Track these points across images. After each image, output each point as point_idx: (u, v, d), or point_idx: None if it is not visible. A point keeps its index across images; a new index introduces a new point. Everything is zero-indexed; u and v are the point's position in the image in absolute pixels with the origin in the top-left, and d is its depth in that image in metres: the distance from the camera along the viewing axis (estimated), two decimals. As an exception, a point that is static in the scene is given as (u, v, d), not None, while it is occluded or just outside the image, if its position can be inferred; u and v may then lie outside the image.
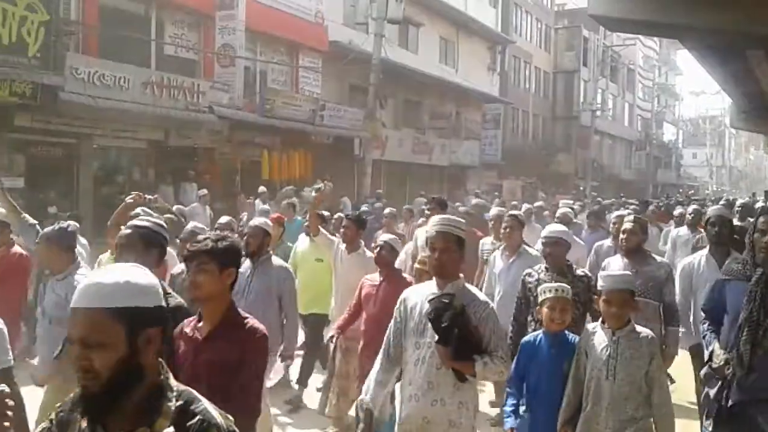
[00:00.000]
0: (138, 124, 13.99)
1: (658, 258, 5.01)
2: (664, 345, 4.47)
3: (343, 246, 5.76)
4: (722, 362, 3.23)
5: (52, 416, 1.61)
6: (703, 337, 3.60)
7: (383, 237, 5.08)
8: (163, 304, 1.55)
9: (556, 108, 38.66)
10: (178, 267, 4.71)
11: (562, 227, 4.72)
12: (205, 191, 12.86)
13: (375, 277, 4.85)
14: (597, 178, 38.93)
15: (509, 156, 30.08)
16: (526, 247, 5.62)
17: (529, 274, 4.42)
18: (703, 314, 3.67)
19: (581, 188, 35.07)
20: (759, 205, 11.57)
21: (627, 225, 4.92)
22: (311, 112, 17.85)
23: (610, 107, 44.40)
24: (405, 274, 5.14)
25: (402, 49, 23.44)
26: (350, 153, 20.05)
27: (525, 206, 11.62)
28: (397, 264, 5.16)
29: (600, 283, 3.47)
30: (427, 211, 7.94)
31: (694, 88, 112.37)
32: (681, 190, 49.83)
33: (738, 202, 11.18)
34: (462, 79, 27.17)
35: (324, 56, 19.63)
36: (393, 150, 22.60)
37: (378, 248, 4.83)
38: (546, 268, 4.33)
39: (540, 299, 3.64)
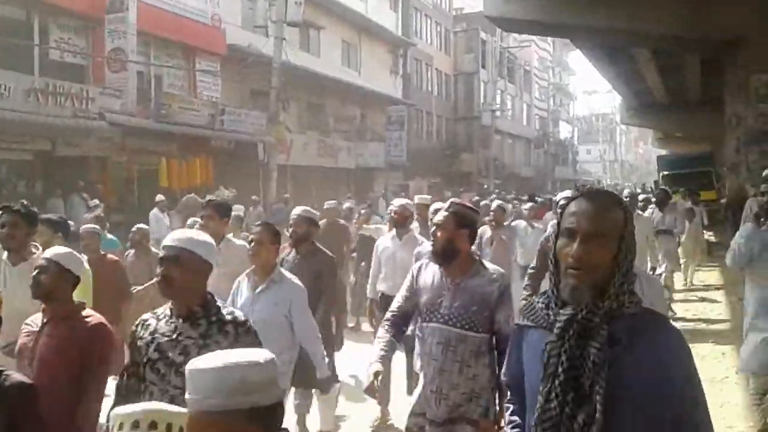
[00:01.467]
0: (22, 134, 13.12)
1: (492, 267, 3.26)
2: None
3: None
4: None
5: None
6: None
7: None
8: None
9: (457, 109, 39.51)
10: None
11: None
12: (96, 202, 12.23)
13: None
14: (499, 176, 40.10)
15: (414, 157, 30.46)
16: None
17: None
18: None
19: (485, 186, 36.01)
20: (643, 197, 12.43)
21: (438, 218, 3.25)
22: (210, 116, 17.37)
23: (509, 107, 45.85)
24: None
25: (304, 52, 23.26)
26: (254, 158, 19.64)
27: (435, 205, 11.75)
28: None
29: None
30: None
31: (586, 88, 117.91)
32: (577, 185, 52.13)
33: (625, 192, 12.03)
34: (365, 82, 27.28)
35: (222, 60, 19.16)
36: (298, 154, 22.35)
37: None
38: None
39: None
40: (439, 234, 3.16)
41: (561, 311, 1.65)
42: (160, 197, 13.10)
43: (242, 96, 20.63)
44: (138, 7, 15.50)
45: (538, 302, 1.78)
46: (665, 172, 20.89)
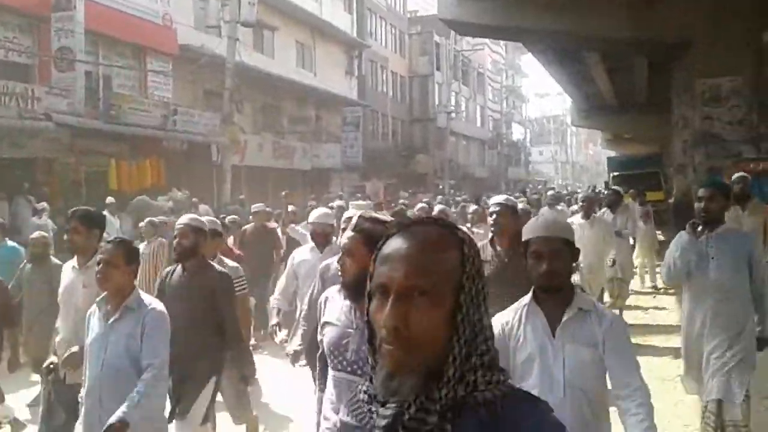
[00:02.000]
0: (-37, 135, 12.63)
1: None
2: None
3: None
4: None
5: None
6: None
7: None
8: None
9: (413, 110, 39.69)
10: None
11: None
12: (44, 204, 11.85)
13: None
14: (454, 177, 40.45)
15: (370, 158, 30.46)
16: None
17: None
18: None
19: (440, 187, 36.26)
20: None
21: (344, 240, 2.60)
22: (162, 117, 17.03)
23: (464, 109, 46.31)
24: None
25: (258, 53, 23.02)
26: (207, 159, 19.33)
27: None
28: None
29: None
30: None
31: (538, 90, 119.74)
32: (531, 185, 53.02)
33: (580, 196, 12.20)
34: (320, 83, 27.16)
35: (174, 60, 18.83)
36: (253, 155, 22.10)
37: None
38: None
39: None
40: (347, 263, 2.51)
41: (381, 409, 1.12)
42: (110, 200, 12.78)
43: (195, 96, 20.30)
44: (86, 5, 15.10)
45: (361, 390, 1.21)
46: (615, 173, 21.37)
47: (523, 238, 2.50)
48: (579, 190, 27.22)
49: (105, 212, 11.92)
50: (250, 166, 21.88)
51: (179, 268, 4.23)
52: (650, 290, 11.56)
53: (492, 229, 4.06)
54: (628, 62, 21.71)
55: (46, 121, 13.55)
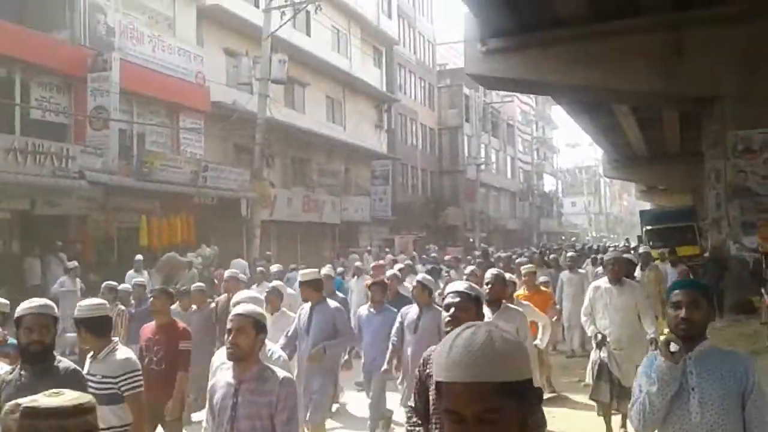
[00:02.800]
0: (1, 193, 12.94)
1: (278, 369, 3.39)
2: None
3: None
4: None
5: None
6: None
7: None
8: None
9: (442, 162, 39.83)
10: None
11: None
12: (75, 263, 11.99)
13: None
14: (485, 229, 40.16)
15: (399, 211, 30.48)
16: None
17: None
18: None
19: (470, 240, 36.00)
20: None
21: (230, 323, 3.26)
22: (193, 173, 17.29)
23: (494, 161, 46.32)
24: None
25: (288, 108, 23.44)
26: (237, 214, 19.51)
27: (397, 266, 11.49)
28: None
29: None
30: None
31: (569, 141, 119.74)
32: (564, 237, 52.35)
33: (606, 257, 11.90)
34: (350, 137, 27.47)
35: (206, 117, 19.24)
36: (282, 209, 22.25)
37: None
38: None
39: None
40: (239, 340, 3.08)
41: None
42: (138, 257, 12.87)
43: (225, 152, 20.65)
44: (121, 65, 15.57)
45: None
46: (648, 227, 20.95)
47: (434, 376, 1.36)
48: (610, 246, 26.62)
49: (131, 271, 12.09)
50: (279, 220, 22.02)
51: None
52: None
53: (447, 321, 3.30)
54: (658, 113, 21.54)
55: (79, 179, 13.86)
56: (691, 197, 29.97)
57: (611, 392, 6.20)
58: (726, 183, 13.00)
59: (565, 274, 11.12)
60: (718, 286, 11.72)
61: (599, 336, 6.18)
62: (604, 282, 6.43)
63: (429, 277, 6.11)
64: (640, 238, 22.86)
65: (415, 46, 37.37)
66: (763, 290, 9.70)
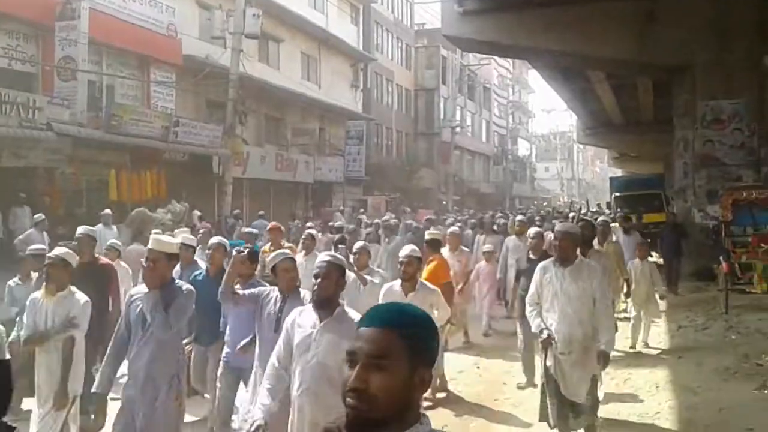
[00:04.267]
0: (-37, 143, 12.68)
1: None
2: None
3: None
4: None
5: None
6: None
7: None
8: None
9: (418, 124, 39.71)
10: None
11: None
12: (41, 216, 11.84)
13: None
14: (458, 192, 40.37)
15: (373, 171, 30.45)
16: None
17: None
18: None
19: (443, 202, 36.21)
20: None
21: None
22: (164, 128, 17.05)
23: (469, 124, 46.29)
24: None
25: (263, 64, 23.09)
26: (209, 171, 19.35)
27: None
28: None
29: None
30: None
31: (545, 106, 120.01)
32: (536, 202, 52.91)
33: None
34: (325, 96, 27.22)
35: (178, 70, 18.89)
36: (255, 167, 22.10)
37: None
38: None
39: None
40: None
41: None
42: (106, 211, 12.76)
43: (198, 107, 20.36)
44: (90, 14, 15.18)
45: None
46: (617, 194, 21.25)
47: None
48: (574, 211, 26.80)
49: (99, 225, 11.99)
50: (251, 178, 21.89)
51: None
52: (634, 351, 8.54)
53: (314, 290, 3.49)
54: (632, 81, 21.70)
55: (47, 130, 13.60)
56: (662, 165, 30.39)
57: (562, 412, 4.78)
58: (694, 152, 13.25)
59: (511, 240, 9.86)
60: (676, 253, 12.10)
61: (545, 333, 4.74)
62: (552, 262, 4.97)
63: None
64: (608, 204, 23.19)
65: (392, 5, 36.88)
66: (721, 257, 9.98)
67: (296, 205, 25.84)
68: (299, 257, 7.40)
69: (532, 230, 7.88)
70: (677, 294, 11.80)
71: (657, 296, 8.86)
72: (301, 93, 25.13)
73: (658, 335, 9.25)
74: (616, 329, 5.98)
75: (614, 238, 9.72)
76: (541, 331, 4.80)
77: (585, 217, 8.19)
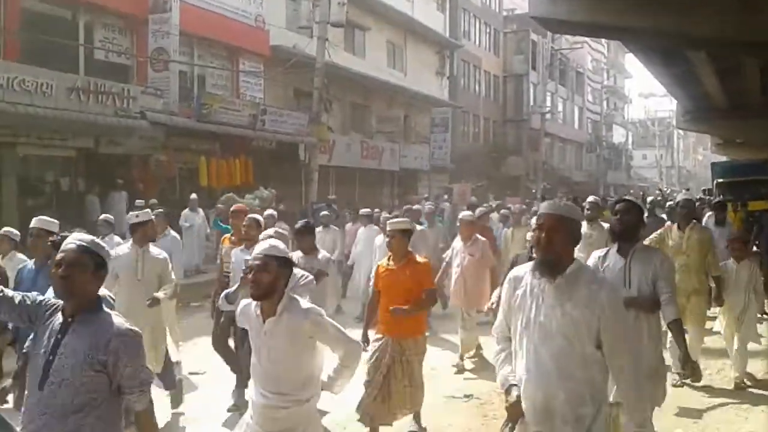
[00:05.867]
0: (65, 132, 13.40)
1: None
2: None
3: None
4: None
5: None
6: None
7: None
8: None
9: (506, 111, 38.91)
10: None
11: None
12: (141, 202, 12.36)
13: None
14: (548, 180, 39.27)
15: (459, 159, 30.09)
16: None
17: None
18: None
19: (533, 190, 35.33)
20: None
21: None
22: (252, 117, 17.43)
23: (560, 110, 44.93)
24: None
25: (348, 53, 23.20)
26: (295, 158, 19.66)
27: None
28: None
29: None
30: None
31: (642, 90, 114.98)
32: (632, 191, 50.80)
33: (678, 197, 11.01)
34: (410, 84, 27.07)
35: (266, 60, 19.26)
36: (341, 155, 22.29)
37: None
38: None
39: None
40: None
41: None
42: (193, 196, 13.18)
43: (285, 96, 20.70)
44: (181, 7, 15.69)
45: None
46: (719, 180, 19.96)
47: None
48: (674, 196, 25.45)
49: (186, 210, 12.40)
50: (337, 166, 22.08)
51: None
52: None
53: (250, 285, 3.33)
54: (737, 62, 20.29)
55: (141, 119, 14.18)
56: (771, 152, 28.36)
57: None
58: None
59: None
60: None
61: (513, 394, 2.80)
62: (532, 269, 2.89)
63: None
64: (708, 191, 21.84)
65: (481, -10, 36.22)
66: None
67: (382, 193, 25.90)
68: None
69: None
70: None
71: (755, 313, 6.66)
72: (386, 81, 25.09)
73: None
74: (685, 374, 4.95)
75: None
76: (507, 390, 2.84)
77: (626, 198, 4.95)
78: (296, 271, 4.19)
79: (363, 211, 11.09)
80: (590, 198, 8.00)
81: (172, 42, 15.41)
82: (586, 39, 42.03)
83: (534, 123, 38.28)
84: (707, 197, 21.80)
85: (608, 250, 4.20)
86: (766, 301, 7.03)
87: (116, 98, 13.60)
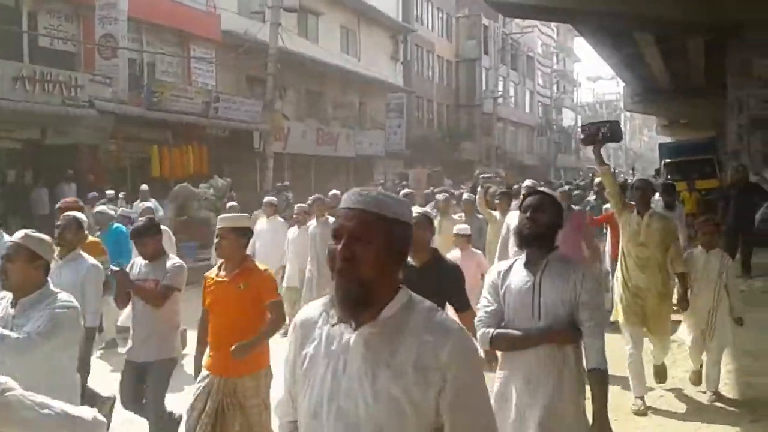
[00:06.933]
0: (10, 123, 12.92)
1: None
2: None
3: None
4: None
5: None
6: None
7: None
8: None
9: (459, 96, 39.13)
10: None
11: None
12: (94, 194, 12.02)
13: None
14: (501, 164, 39.76)
15: (414, 145, 30.19)
16: None
17: None
18: None
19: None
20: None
21: None
22: (205, 104, 17.13)
23: (512, 94, 45.44)
24: None
25: (301, 38, 22.95)
26: (250, 146, 19.43)
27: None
28: None
29: None
30: None
31: (590, 74, 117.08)
32: (581, 173, 51.89)
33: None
34: (365, 69, 26.97)
35: (218, 46, 18.91)
36: (296, 142, 22.11)
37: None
38: None
39: None
40: None
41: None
42: (144, 187, 12.90)
43: (238, 83, 20.39)
44: (129, -8, 15.25)
45: None
46: (667, 160, 20.52)
47: None
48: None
49: (137, 201, 12.12)
50: (292, 153, 21.89)
51: None
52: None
53: None
54: (683, 44, 20.83)
55: (89, 108, 13.77)
56: (714, 131, 29.29)
57: None
58: (749, 114, 12.65)
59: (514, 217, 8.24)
60: (747, 223, 9.57)
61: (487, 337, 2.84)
62: (509, 261, 3.03)
63: None
64: (658, 171, 22.43)
65: (432, -26, 36.24)
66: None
67: (338, 180, 25.82)
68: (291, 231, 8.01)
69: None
70: (751, 279, 9.03)
71: (730, 316, 5.19)
72: (341, 66, 24.94)
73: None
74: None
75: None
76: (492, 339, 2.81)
77: (540, 188, 4.08)
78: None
79: (267, 199, 8.97)
80: (527, 182, 7.31)
81: (120, 28, 14.98)
82: (536, 23, 42.59)
83: (487, 107, 38.65)
84: (656, 177, 22.41)
85: (513, 263, 2.94)
86: (739, 299, 5.35)
87: (63, 87, 13.20)
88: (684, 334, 5.48)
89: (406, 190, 11.05)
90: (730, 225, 9.38)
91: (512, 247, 5.47)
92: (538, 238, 2.81)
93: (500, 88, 40.98)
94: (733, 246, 9.00)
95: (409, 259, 3.28)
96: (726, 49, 14.33)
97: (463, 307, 3.67)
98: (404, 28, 31.20)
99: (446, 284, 3.57)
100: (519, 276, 2.83)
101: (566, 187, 9.12)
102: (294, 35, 21.25)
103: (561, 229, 2.90)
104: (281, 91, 19.61)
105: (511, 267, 2.90)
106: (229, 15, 19.16)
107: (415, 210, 3.36)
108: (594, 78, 78.54)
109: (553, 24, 49.18)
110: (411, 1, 32.71)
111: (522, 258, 2.89)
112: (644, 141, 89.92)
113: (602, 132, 5.15)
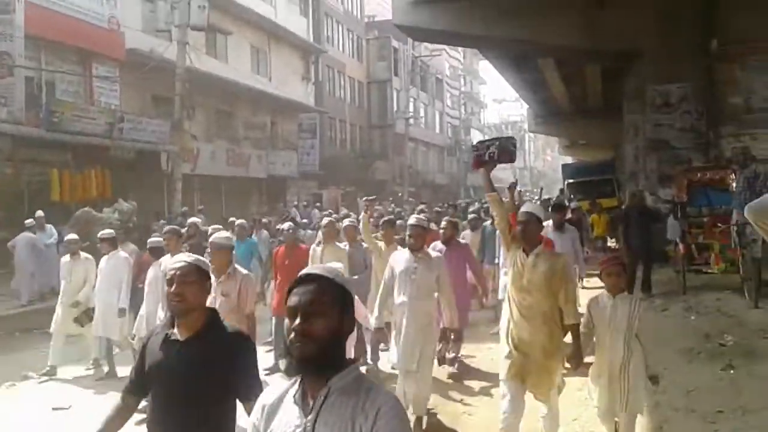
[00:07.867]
0: None
1: None
2: None
3: None
4: None
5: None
6: None
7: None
8: None
9: (371, 116, 39.51)
10: None
11: None
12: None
13: None
14: (413, 184, 40.36)
15: (328, 165, 30.16)
16: None
17: None
18: None
19: (399, 194, 36.13)
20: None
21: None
22: (108, 125, 16.44)
23: (422, 115, 46.33)
24: None
25: (211, 57, 22.53)
26: (157, 167, 18.74)
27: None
28: None
29: None
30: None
31: (496, 96, 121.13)
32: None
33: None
34: (276, 89, 26.76)
35: (121, 65, 18.23)
36: (205, 163, 21.58)
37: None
38: None
39: None
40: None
41: None
42: (39, 213, 12.18)
43: (143, 102, 19.73)
44: (26, 8, 14.49)
45: None
46: (570, 180, 21.49)
47: None
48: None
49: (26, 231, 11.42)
50: (202, 174, 21.35)
51: None
52: None
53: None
54: (581, 69, 21.92)
55: (-19, 129, 12.93)
56: (613, 152, 30.90)
57: None
58: (644, 136, 13.39)
59: (466, 234, 9.66)
60: (645, 242, 10.15)
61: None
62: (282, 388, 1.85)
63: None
64: (562, 191, 23.42)
65: (342, -4, 36.57)
66: (677, 239, 10.05)
67: (250, 201, 25.40)
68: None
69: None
70: (651, 297, 9.71)
71: (642, 369, 4.23)
72: (251, 86, 24.64)
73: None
74: None
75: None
76: None
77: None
78: None
79: (104, 232, 7.74)
80: (411, 219, 6.05)
81: (17, 46, 14.19)
82: (445, 47, 43.69)
83: (398, 128, 39.22)
84: (561, 197, 23.33)
85: (286, 391, 1.84)
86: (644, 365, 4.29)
87: (-48, 106, 12.31)
88: (589, 395, 4.57)
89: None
90: (632, 247, 10.06)
91: (399, 295, 5.37)
92: (315, 359, 1.68)
93: (411, 108, 41.71)
94: (633, 268, 9.40)
95: None
96: (622, 76, 15.19)
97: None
98: (315, 49, 31.25)
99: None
100: (287, 417, 1.76)
101: (455, 220, 8.28)
102: (203, 54, 20.84)
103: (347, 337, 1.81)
104: (189, 111, 19.11)
105: (282, 399, 1.81)
106: (134, 33, 18.54)
107: None
108: (499, 100, 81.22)
109: (460, 47, 50.63)
110: (321, 22, 32.84)
111: (294, 387, 1.78)
112: (547, 160, 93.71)
113: (489, 153, 4.62)
